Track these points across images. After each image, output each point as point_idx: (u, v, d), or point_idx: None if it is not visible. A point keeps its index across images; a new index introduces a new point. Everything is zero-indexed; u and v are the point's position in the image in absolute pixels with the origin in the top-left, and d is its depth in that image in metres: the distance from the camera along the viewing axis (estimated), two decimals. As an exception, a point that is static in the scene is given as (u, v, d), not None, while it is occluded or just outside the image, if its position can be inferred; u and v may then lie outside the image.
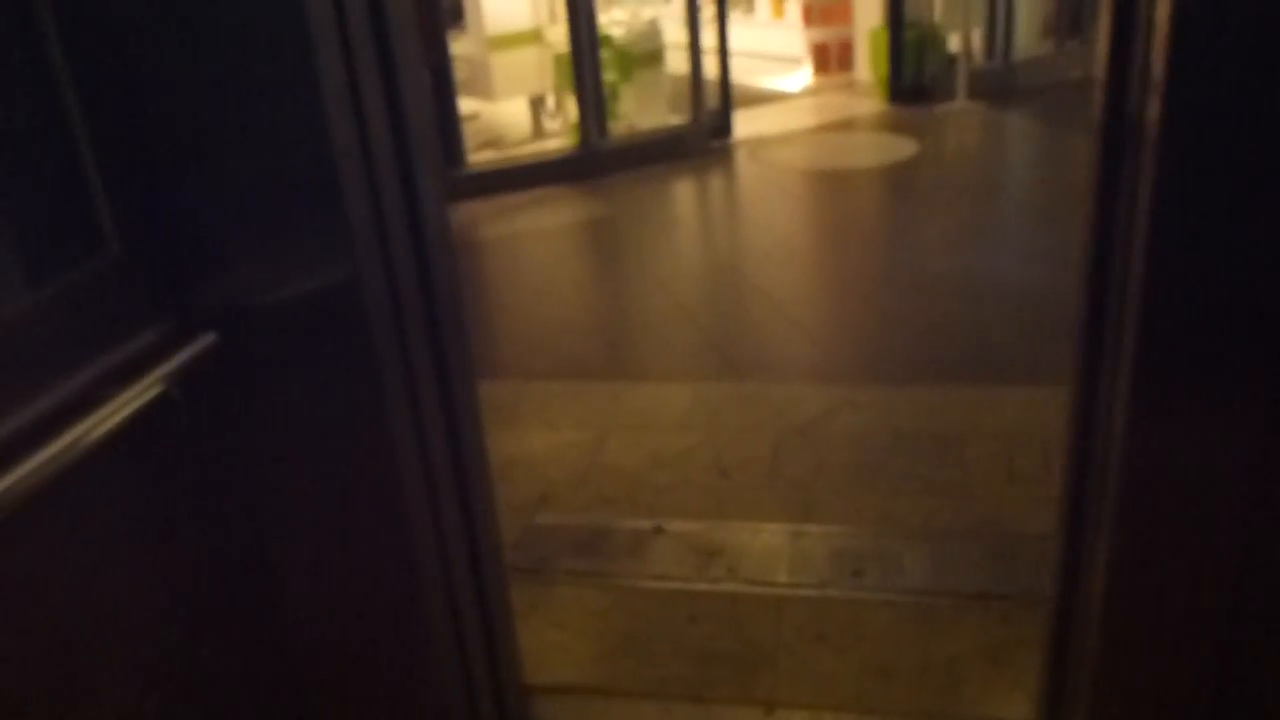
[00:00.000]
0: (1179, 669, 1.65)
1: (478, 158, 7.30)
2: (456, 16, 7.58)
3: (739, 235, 6.30)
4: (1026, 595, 2.47)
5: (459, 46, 7.38)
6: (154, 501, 1.47)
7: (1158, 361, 1.42)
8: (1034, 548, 2.64)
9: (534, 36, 7.73)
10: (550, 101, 8.11)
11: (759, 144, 7.81)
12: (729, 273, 5.40)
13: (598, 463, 3.30)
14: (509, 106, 8.17)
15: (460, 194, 6.61)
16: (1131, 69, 1.40)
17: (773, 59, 10.56)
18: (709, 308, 4.86)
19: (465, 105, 7.37)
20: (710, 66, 7.60)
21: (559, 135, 7.83)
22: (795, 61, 10.26)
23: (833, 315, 4.69)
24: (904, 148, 7.41)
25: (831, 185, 7.06)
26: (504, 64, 7.63)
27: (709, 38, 7.57)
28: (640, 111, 7.64)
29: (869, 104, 8.86)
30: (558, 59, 7.47)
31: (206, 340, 1.47)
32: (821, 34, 9.97)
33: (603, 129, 7.25)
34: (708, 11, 7.62)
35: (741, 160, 7.51)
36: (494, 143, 7.92)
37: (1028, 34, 9.09)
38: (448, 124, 6.63)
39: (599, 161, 7.17)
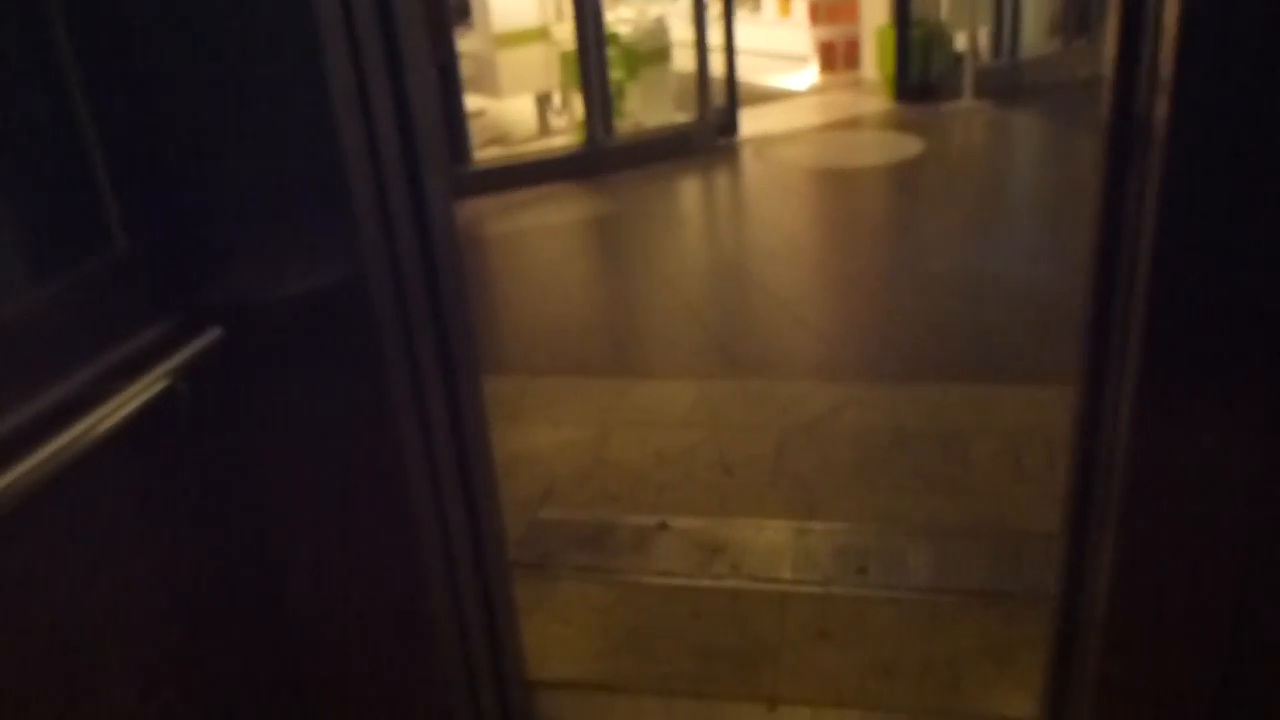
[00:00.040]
0: (1182, 668, 1.65)
1: (484, 154, 7.30)
2: (463, 13, 7.58)
3: (744, 233, 6.30)
4: (1030, 594, 2.47)
5: (465, 43, 7.38)
6: (157, 498, 1.48)
7: (1163, 361, 1.42)
8: (1038, 546, 2.64)
9: (540, 34, 7.73)
10: (556, 99, 8.11)
11: (765, 142, 7.80)
12: (734, 270, 5.40)
13: (602, 459, 3.31)
14: (515, 103, 8.17)
15: (466, 190, 6.61)
16: (1139, 69, 1.40)
17: (779, 57, 10.55)
18: (714, 305, 4.86)
19: (471, 102, 7.37)
20: (716, 64, 7.59)
21: (565, 132, 7.83)
22: (801, 60, 10.25)
23: (838, 313, 4.69)
24: (910, 146, 7.40)
25: (837, 183, 7.05)
26: (510, 61, 7.63)
27: (715, 35, 7.57)
28: (646, 109, 7.64)
29: (875, 102, 8.85)
30: (564, 56, 7.47)
31: (212, 336, 1.47)
32: (828, 32, 9.96)
33: (609, 126, 7.25)
34: (714, 9, 7.61)
35: (747, 158, 7.50)
36: (500, 140, 7.92)
37: (1034, 33, 9.07)
38: (454, 121, 6.64)
39: (605, 159, 7.17)
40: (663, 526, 2.89)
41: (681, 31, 7.79)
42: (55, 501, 1.23)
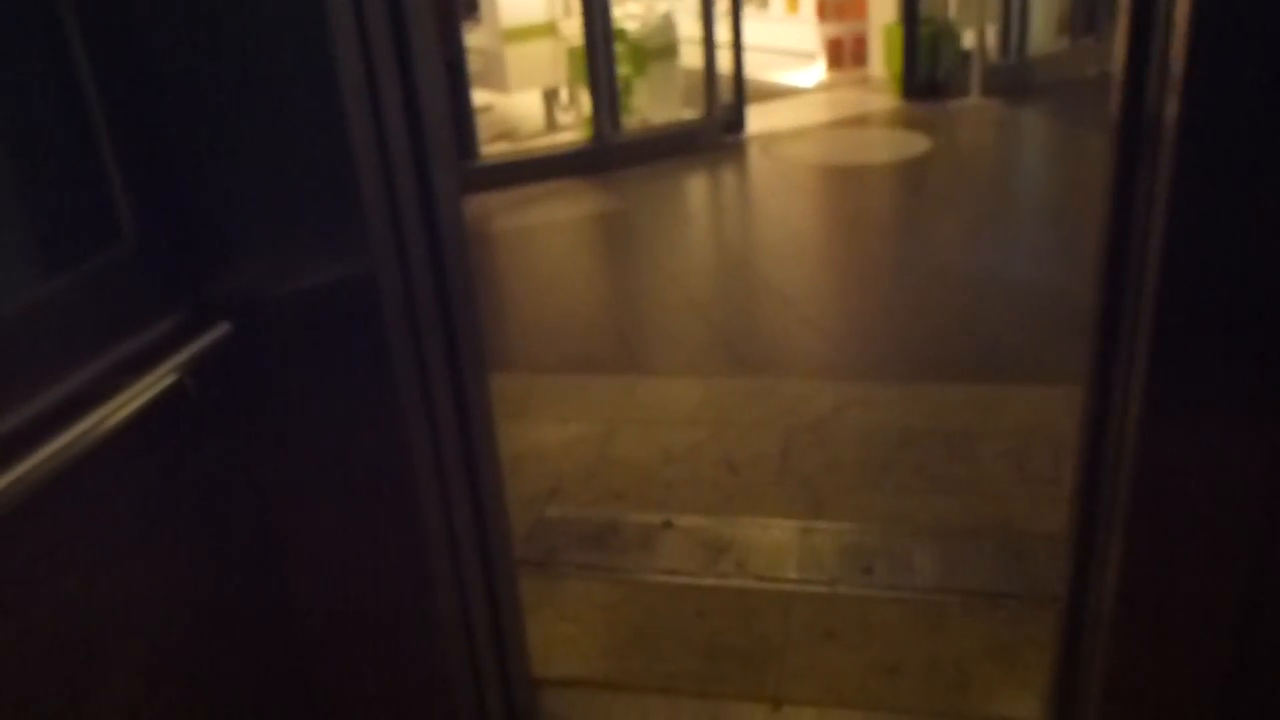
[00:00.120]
0: (1189, 670, 1.64)
1: (491, 150, 7.30)
2: (471, 9, 7.59)
3: (751, 230, 6.29)
4: (1036, 595, 2.47)
5: (473, 39, 7.39)
6: (162, 494, 1.48)
7: (1172, 361, 1.41)
8: (1044, 547, 2.63)
9: (548, 29, 7.73)
10: (564, 95, 8.11)
11: (772, 139, 7.79)
12: (740, 268, 5.39)
13: (607, 457, 3.30)
14: (523, 99, 8.17)
15: (473, 186, 6.61)
16: (1149, 68, 1.39)
17: (786, 54, 10.53)
18: (720, 302, 4.86)
19: (479, 97, 7.37)
20: (724, 61, 7.58)
21: (572, 128, 7.83)
22: (809, 57, 10.24)
23: (844, 311, 4.68)
24: (917, 144, 7.39)
25: (844, 181, 7.04)
26: (518, 57, 7.63)
27: (723, 32, 7.56)
28: (653, 105, 7.64)
29: (882, 100, 8.83)
30: (572, 52, 7.47)
31: (221, 331, 1.47)
32: (836, 29, 9.95)
33: (616, 123, 7.24)
34: (722, 6, 7.60)
35: (754, 155, 7.49)
36: (507, 135, 7.92)
37: (1042, 30, 9.05)
38: (461, 116, 6.64)
39: (612, 155, 7.17)
40: (668, 525, 2.89)
41: (689, 28, 7.79)
42: (61, 497, 1.24)
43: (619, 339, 4.49)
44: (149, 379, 1.33)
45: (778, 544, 2.77)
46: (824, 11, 10.01)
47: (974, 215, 5.91)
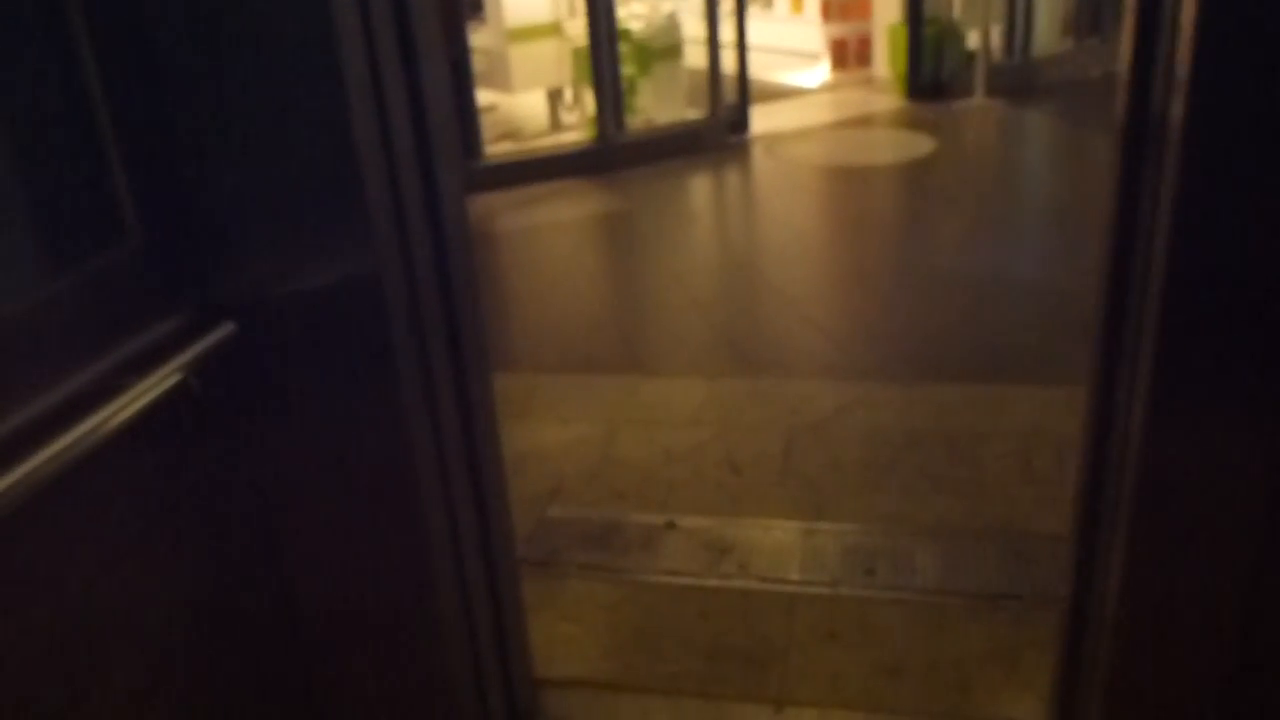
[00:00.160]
0: (1192, 672, 1.64)
1: (495, 149, 7.30)
2: (476, 8, 7.59)
3: (755, 231, 6.29)
4: (1039, 596, 2.46)
5: (478, 38, 7.39)
6: (166, 493, 1.48)
7: (1176, 362, 1.41)
8: (1047, 548, 2.63)
9: (553, 29, 7.73)
10: (568, 94, 8.10)
11: (776, 139, 7.79)
12: (744, 268, 5.39)
13: (610, 457, 3.30)
14: (527, 99, 8.17)
15: (477, 186, 6.61)
16: (1155, 69, 1.39)
17: (791, 54, 10.52)
18: (723, 303, 4.86)
19: (483, 97, 7.38)
20: (728, 61, 7.58)
21: (576, 128, 7.82)
22: (813, 57, 10.23)
23: (847, 312, 4.67)
24: (921, 144, 7.38)
25: (848, 181, 7.03)
26: (522, 56, 7.63)
27: (727, 32, 7.55)
28: (658, 105, 7.63)
29: (887, 100, 8.82)
30: (576, 52, 7.47)
31: (225, 330, 1.47)
32: (840, 29, 9.94)
33: (620, 122, 7.24)
34: (726, 5, 7.60)
35: (758, 155, 7.49)
36: (511, 135, 7.92)
37: (1047, 31, 9.04)
38: (465, 115, 6.64)
39: (616, 155, 7.16)
40: (670, 525, 2.89)
41: (693, 28, 7.78)
42: (65, 497, 1.24)
43: (622, 339, 4.49)
44: (153, 379, 1.33)
45: (780, 545, 2.77)
46: (828, 12, 10.00)
47: (978, 216, 5.90)
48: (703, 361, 4.13)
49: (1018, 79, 8.74)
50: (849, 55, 9.93)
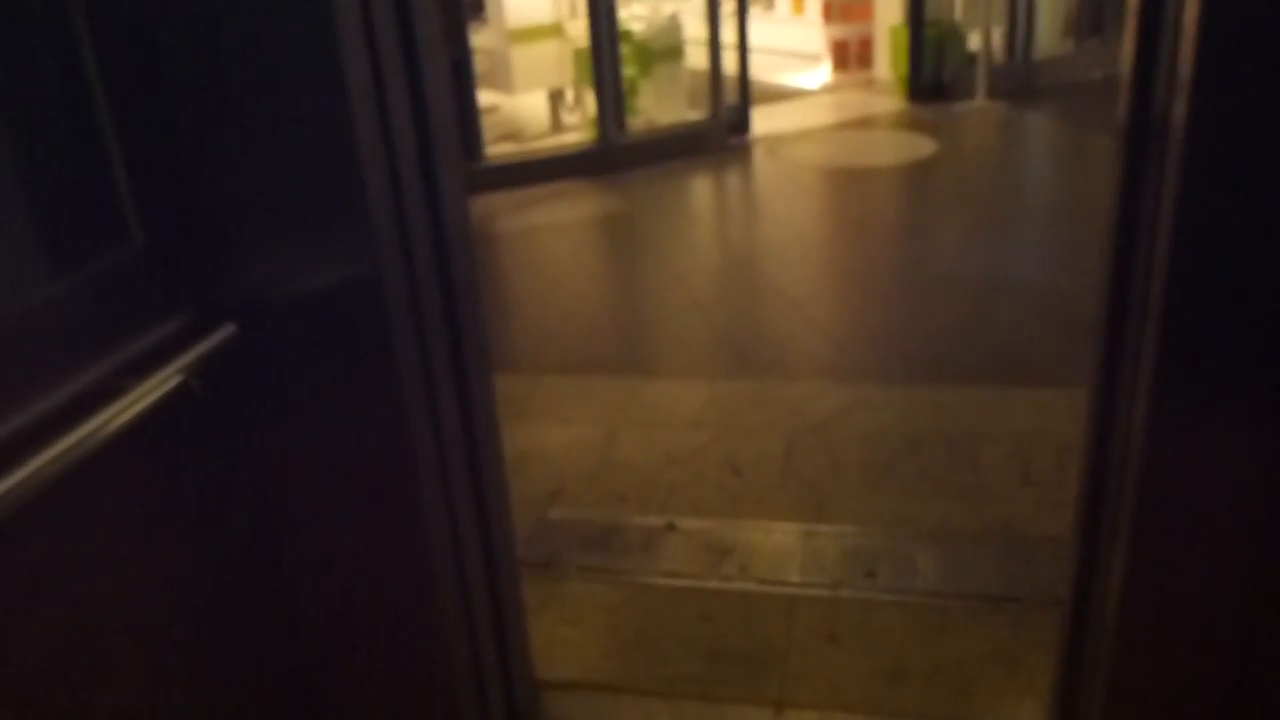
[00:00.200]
0: (1194, 675, 1.64)
1: (496, 150, 7.30)
2: (477, 9, 7.59)
3: (756, 232, 6.29)
4: (1039, 598, 2.46)
5: (479, 39, 7.39)
6: (167, 494, 1.48)
7: (1179, 364, 1.41)
8: (1047, 550, 2.62)
9: (554, 30, 7.73)
10: (569, 95, 8.10)
11: (777, 141, 7.79)
12: (745, 270, 5.39)
13: (610, 458, 3.30)
14: (528, 100, 8.17)
15: (478, 186, 6.61)
16: (1158, 70, 1.39)
17: (792, 55, 10.52)
18: (724, 304, 4.86)
19: (484, 98, 7.38)
20: (729, 62, 7.58)
21: (577, 129, 7.82)
22: (815, 58, 10.23)
23: (848, 314, 4.67)
24: (923, 146, 7.38)
25: (849, 183, 7.03)
26: (524, 57, 7.63)
27: (729, 33, 7.55)
28: (659, 107, 7.63)
29: (888, 102, 8.82)
30: (577, 53, 7.47)
31: (226, 332, 1.47)
32: (841, 31, 9.94)
33: (621, 124, 7.24)
34: (728, 7, 7.60)
35: (759, 157, 7.49)
36: (512, 136, 7.92)
37: (1048, 33, 9.04)
38: (467, 116, 6.64)
39: (617, 156, 7.16)
40: (671, 527, 2.88)
41: (695, 29, 7.78)
42: (67, 497, 1.24)
43: (623, 340, 4.49)
44: (154, 380, 1.33)
45: (780, 547, 2.77)
46: (829, 13, 10.00)
47: (979, 218, 5.90)
48: (703, 363, 4.13)
49: (1019, 81, 8.74)
50: (850, 57, 9.93)
